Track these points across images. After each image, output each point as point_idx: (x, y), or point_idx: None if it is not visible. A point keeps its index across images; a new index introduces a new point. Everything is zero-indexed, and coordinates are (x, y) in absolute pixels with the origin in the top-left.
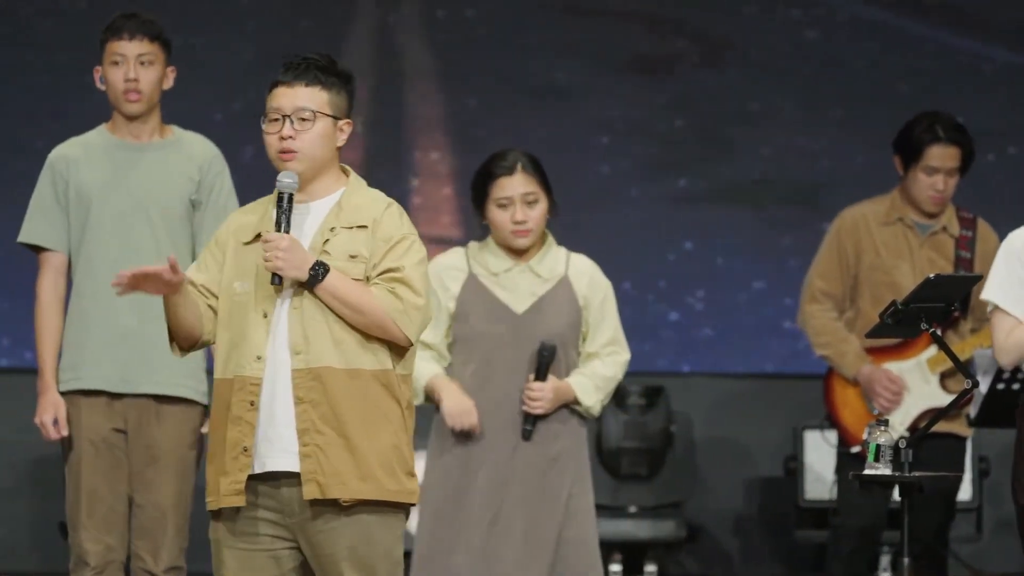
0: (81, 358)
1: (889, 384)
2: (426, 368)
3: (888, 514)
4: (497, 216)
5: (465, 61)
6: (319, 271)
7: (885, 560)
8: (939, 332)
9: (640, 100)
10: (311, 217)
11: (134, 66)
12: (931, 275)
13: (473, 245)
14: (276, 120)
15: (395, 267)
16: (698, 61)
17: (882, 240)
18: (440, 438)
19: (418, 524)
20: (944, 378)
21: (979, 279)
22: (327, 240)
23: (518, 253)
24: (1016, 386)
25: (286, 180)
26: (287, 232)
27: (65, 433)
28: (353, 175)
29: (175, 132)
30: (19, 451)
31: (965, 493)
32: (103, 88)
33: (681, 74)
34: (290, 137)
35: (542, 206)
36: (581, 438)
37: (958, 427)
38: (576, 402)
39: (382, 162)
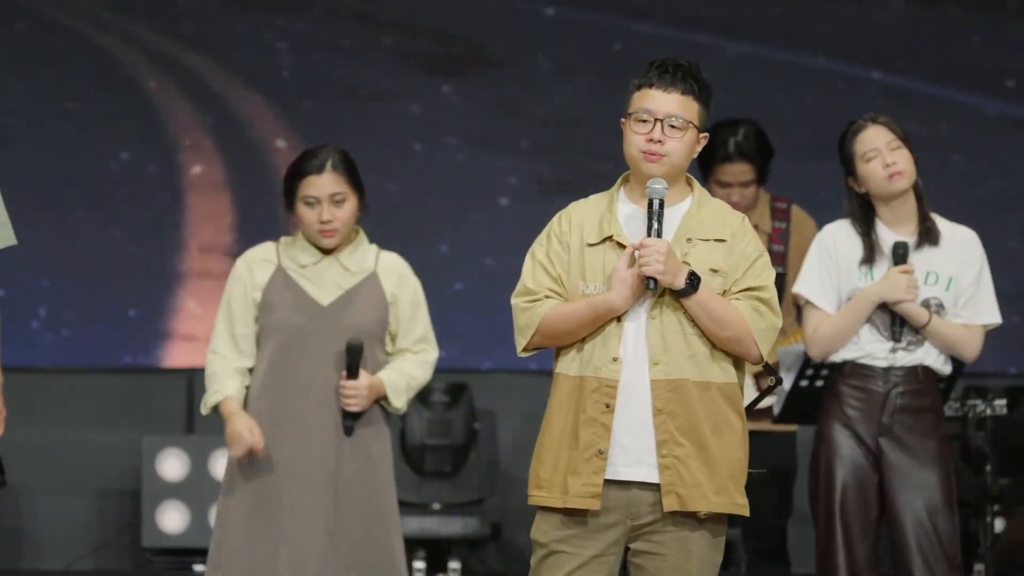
0: None
1: None
2: (230, 385)
3: None
4: (305, 214)
5: None
6: (695, 281)
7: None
8: None
9: None
10: (664, 225)
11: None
12: None
13: (284, 239)
14: (646, 121)
15: (758, 286)
16: None
17: None
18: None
19: (220, 520)
20: (758, 379)
21: (784, 276)
22: (687, 252)
23: (327, 249)
24: (820, 383)
25: (657, 186)
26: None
27: None
28: (697, 186)
29: None
30: None
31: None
32: None
33: None
34: (659, 141)
35: (350, 205)
36: (388, 436)
37: (761, 424)
38: (386, 400)
39: None
